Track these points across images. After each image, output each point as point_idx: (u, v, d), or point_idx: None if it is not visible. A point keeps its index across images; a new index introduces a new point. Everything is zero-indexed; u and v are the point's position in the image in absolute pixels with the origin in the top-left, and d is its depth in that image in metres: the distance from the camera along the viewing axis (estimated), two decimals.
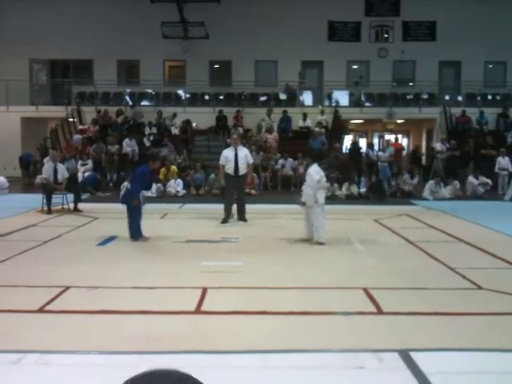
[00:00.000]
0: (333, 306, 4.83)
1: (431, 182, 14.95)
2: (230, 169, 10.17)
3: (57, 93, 22.77)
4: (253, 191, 15.40)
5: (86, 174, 15.89)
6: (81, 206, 11.60)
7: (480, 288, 5.52)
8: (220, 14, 21.42)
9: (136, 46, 21.53)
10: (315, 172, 7.97)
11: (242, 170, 10.24)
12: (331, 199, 14.29)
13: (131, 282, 5.60)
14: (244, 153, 10.39)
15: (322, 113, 20.05)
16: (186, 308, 4.77)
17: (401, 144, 21.78)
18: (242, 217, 10.26)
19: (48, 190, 11.34)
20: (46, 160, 14.39)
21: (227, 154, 10.31)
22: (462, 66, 22.38)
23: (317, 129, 18.91)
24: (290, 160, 17.08)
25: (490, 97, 21.85)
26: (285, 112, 19.77)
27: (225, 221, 9.99)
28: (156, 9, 21.19)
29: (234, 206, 10.31)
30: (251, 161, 10.75)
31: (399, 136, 23.73)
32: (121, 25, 21.52)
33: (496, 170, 16.25)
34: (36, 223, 9.81)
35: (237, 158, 10.14)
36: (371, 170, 16.79)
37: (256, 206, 11.72)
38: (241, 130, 18.81)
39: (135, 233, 8.16)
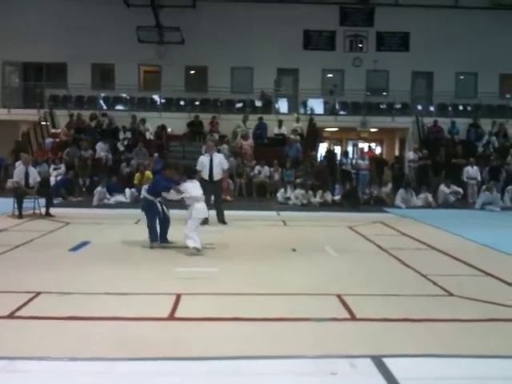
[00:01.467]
0: (306, 313, 4.85)
1: (402, 191, 15.18)
2: (205, 174, 10.48)
3: (29, 96, 22.46)
4: (228, 197, 15.38)
5: (59, 177, 15.67)
6: (53, 210, 11.42)
7: (451, 295, 5.61)
8: (196, 19, 21.45)
9: (111, 50, 21.39)
10: (192, 188, 7.75)
11: (217, 176, 10.54)
12: (306, 206, 14.45)
13: (104, 288, 5.53)
14: (219, 159, 10.74)
15: (298, 120, 20.19)
16: (159, 314, 4.73)
17: (375, 152, 22.07)
18: (221, 219, 10.58)
19: (19, 194, 11.15)
20: (17, 164, 14.14)
21: (203, 159, 10.71)
22: (434, 76, 22.84)
23: (292, 136, 19.03)
24: (266, 167, 17.13)
25: (461, 107, 22.31)
26: (260, 119, 19.85)
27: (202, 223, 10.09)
28: (131, 13, 21.11)
29: (212, 212, 10.36)
30: (226, 166, 10.98)
31: (373, 144, 24.03)
32: (96, 28, 21.34)
33: (464, 179, 16.57)
34: (7, 228, 9.63)
35: (212, 163, 10.49)
36: (346, 177, 16.96)
37: (231, 212, 11.70)
38: (216, 136, 18.82)
39: (152, 234, 8.10)
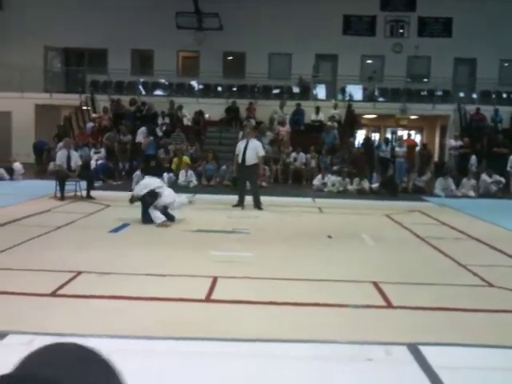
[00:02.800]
0: (342, 299, 4.85)
1: (441, 179, 14.89)
2: (240, 159, 10.83)
3: (71, 81, 22.87)
4: (264, 183, 15.42)
5: (99, 162, 16.00)
6: (93, 193, 11.69)
7: (491, 285, 5.51)
8: (235, 5, 21.36)
9: (150, 36, 21.55)
10: (148, 182, 8.82)
11: (250, 160, 10.74)
12: (342, 193, 14.36)
13: (143, 269, 5.65)
14: (254, 144, 10.89)
15: (336, 107, 19.96)
16: (196, 296, 4.81)
17: (414, 140, 21.68)
18: (256, 205, 10.79)
19: (61, 176, 11.43)
20: (59, 147, 14.49)
21: (239, 144, 11.11)
22: (477, 63, 22.18)
23: (329, 123, 18.86)
24: (302, 154, 17.06)
25: (504, 95, 21.62)
26: (298, 105, 19.72)
27: (236, 205, 10.80)
28: None
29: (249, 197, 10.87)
30: (261, 153, 11.10)
31: (412, 132, 23.59)
32: (135, 14, 21.54)
33: (508, 169, 16.13)
34: (50, 209, 9.91)
35: (246, 148, 10.73)
36: (384, 165, 16.72)
37: (267, 198, 11.74)
38: (253, 122, 18.82)
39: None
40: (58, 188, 11.31)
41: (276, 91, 21.65)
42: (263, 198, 11.04)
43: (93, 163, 15.85)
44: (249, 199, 10.85)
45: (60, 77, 23.41)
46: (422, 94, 21.69)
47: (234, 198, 11.05)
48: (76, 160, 12.00)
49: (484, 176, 15.24)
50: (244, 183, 11.08)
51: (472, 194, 14.70)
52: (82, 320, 4.16)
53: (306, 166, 16.86)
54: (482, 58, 21.67)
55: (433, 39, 22.06)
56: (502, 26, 21.01)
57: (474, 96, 22.12)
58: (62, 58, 23.58)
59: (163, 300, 4.67)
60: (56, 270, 5.54)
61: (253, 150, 10.75)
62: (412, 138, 22.22)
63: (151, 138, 17.22)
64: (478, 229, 9.07)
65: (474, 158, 16.93)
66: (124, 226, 8.35)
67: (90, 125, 19.02)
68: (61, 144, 14.19)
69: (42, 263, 5.85)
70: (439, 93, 21.55)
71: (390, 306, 4.74)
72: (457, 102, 20.86)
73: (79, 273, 5.46)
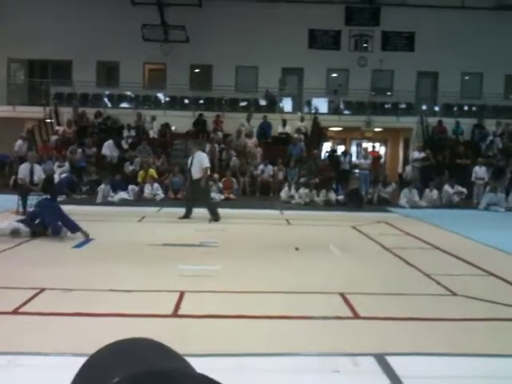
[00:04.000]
0: (310, 311, 4.86)
1: (405, 190, 15.18)
2: (188, 174, 11.33)
3: (34, 93, 22.46)
4: (231, 196, 15.43)
5: (63, 175, 15.72)
6: None
7: (454, 294, 5.61)
8: (201, 18, 21.45)
9: (116, 48, 21.40)
10: None
11: (196, 175, 10.92)
12: (309, 205, 14.46)
13: (107, 285, 5.55)
14: (198, 158, 11.04)
15: (302, 119, 20.18)
16: (163, 311, 4.75)
17: (378, 152, 22.03)
18: (213, 218, 10.80)
19: (24, 190, 11.18)
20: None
21: (188, 161, 11.42)
22: (439, 76, 22.78)
23: (296, 135, 19.03)
24: (270, 166, 17.14)
25: (466, 108, 22.26)
26: (264, 117, 19.85)
27: (181, 217, 10.89)
28: (137, 11, 21.11)
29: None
30: (206, 164, 11.16)
31: (377, 144, 23.99)
32: (101, 26, 21.37)
33: (473, 179, 16.54)
34: None
35: (191, 164, 11.00)
36: (345, 177, 16.90)
37: (235, 210, 11.72)
38: (220, 134, 18.88)
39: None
40: (21, 202, 11.05)
41: (243, 104, 21.75)
42: (231, 211, 11.04)
43: (56, 177, 15.56)
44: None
45: (23, 89, 22.99)
46: (386, 106, 22.13)
47: (201, 211, 11.02)
48: (39, 174, 11.76)
49: (446, 187, 15.60)
50: (192, 196, 11.20)
51: (423, 204, 14.93)
52: (43, 338, 4.05)
53: (273, 178, 16.94)
54: (444, 72, 22.27)
55: (396, 53, 22.56)
56: (464, 40, 21.66)
57: (437, 109, 22.68)
58: (26, 70, 23.18)
59: (127, 316, 4.58)
60: (18, 287, 5.39)
61: (197, 163, 10.91)
62: (376, 149, 22.58)
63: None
64: (442, 238, 9.25)
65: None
66: (88, 240, 8.19)
67: (53, 138, 18.70)
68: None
69: (4, 280, 5.68)
70: (403, 106, 22.01)
71: (356, 316, 4.77)
72: (419, 114, 21.34)
73: (42, 289, 5.32)
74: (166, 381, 0.53)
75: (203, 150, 12.91)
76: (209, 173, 11.76)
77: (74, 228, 8.28)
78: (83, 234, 8.27)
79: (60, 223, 8.34)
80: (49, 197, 9.41)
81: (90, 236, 8.27)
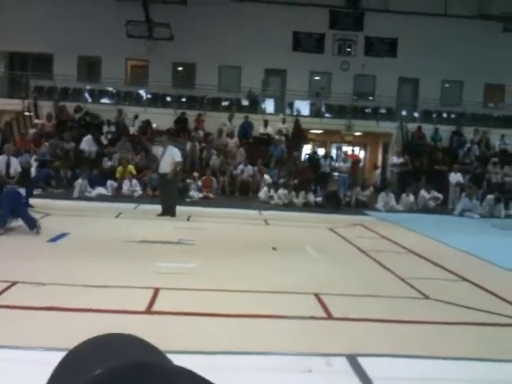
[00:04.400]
0: (284, 310, 4.87)
1: (383, 194, 15.33)
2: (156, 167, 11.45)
3: (14, 86, 22.12)
4: (210, 194, 15.41)
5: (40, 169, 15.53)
6: (32, 201, 11.28)
7: (427, 298, 5.68)
8: (186, 16, 21.36)
9: (98, 43, 21.18)
10: None
11: (164, 168, 10.93)
12: (288, 206, 14.51)
13: (81, 280, 5.49)
14: (170, 152, 11.02)
15: (284, 121, 20.22)
16: (136, 308, 4.72)
17: (358, 156, 22.23)
18: (164, 212, 10.86)
19: None
20: None
21: (158, 153, 11.38)
22: (420, 83, 23.05)
23: (277, 136, 19.08)
24: (250, 166, 17.15)
25: (445, 115, 22.54)
26: (246, 117, 19.85)
27: (159, 214, 10.86)
28: (121, 6, 20.95)
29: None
30: (178, 159, 11.16)
31: (356, 148, 24.18)
32: (84, 20, 21.12)
33: (453, 184, 16.74)
34: None
35: (162, 157, 10.97)
36: (324, 179, 17.01)
37: (213, 209, 11.70)
38: (201, 133, 18.86)
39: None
40: None
41: (225, 103, 21.71)
42: (210, 210, 11.02)
43: (33, 170, 15.34)
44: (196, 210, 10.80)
45: (3, 81, 22.62)
46: (367, 111, 22.29)
47: (178, 209, 10.99)
48: (16, 167, 11.57)
49: (423, 192, 15.79)
50: (164, 191, 11.21)
51: (399, 208, 15.11)
52: (14, 332, 3.99)
53: (252, 179, 16.95)
54: (425, 78, 22.54)
55: (379, 58, 22.75)
56: (445, 47, 21.93)
57: (416, 115, 22.93)
58: (6, 62, 22.81)
59: (101, 311, 4.55)
60: None
61: (169, 157, 10.90)
62: (356, 153, 22.78)
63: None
64: (416, 242, 9.37)
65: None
66: (63, 235, 8.09)
67: (32, 131, 18.44)
68: None
69: None
70: (383, 111, 22.20)
71: (330, 317, 4.81)
72: (399, 120, 21.56)
73: (14, 283, 5.25)
74: (147, 373, 0.53)
75: (182, 149, 12.88)
76: (179, 168, 11.57)
77: (31, 224, 8.10)
78: (38, 230, 8.10)
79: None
80: (18, 189, 9.10)
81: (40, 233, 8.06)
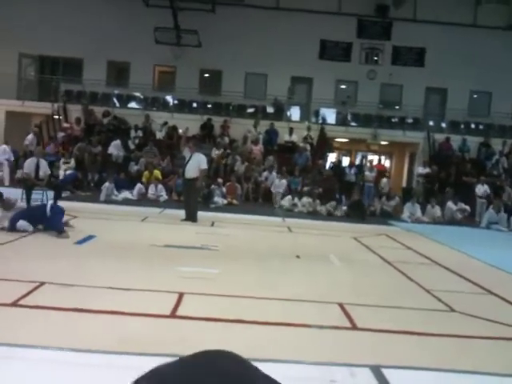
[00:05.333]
0: (307, 319, 4.85)
1: (408, 205, 15.16)
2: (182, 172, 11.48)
3: (44, 89, 22.58)
4: (234, 201, 15.46)
5: (68, 172, 15.78)
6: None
7: (453, 310, 5.60)
8: (214, 23, 21.56)
9: (127, 49, 21.53)
10: None
11: (191, 174, 10.88)
12: (312, 214, 14.46)
13: (107, 282, 5.56)
14: (197, 158, 10.98)
15: (309, 129, 20.21)
16: (161, 311, 4.75)
17: (384, 165, 22.05)
18: (189, 217, 10.90)
19: (29, 185, 11.22)
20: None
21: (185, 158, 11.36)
22: (448, 93, 22.81)
23: (302, 144, 19.06)
24: (274, 173, 17.16)
25: (473, 125, 22.26)
26: (271, 125, 19.89)
27: (184, 219, 10.90)
28: (150, 13, 21.24)
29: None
30: (204, 166, 11.15)
31: (382, 157, 24.00)
32: (114, 26, 21.52)
33: (478, 197, 16.48)
34: None
35: (188, 162, 10.94)
36: (349, 189, 16.91)
37: (237, 215, 11.71)
38: (227, 139, 18.98)
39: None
40: (25, 196, 11.09)
41: (251, 110, 21.80)
42: (234, 216, 11.05)
43: (61, 173, 15.62)
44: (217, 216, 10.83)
45: (33, 84, 23.11)
46: (393, 120, 22.14)
47: (202, 214, 11.06)
48: (45, 169, 11.79)
49: (450, 203, 15.57)
50: (188, 197, 11.18)
51: (425, 219, 14.89)
52: (41, 331, 4.06)
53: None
54: (453, 89, 22.31)
55: (406, 68, 22.62)
56: (474, 57, 21.69)
57: (444, 125, 22.68)
58: (37, 66, 23.30)
59: (126, 314, 4.59)
60: (19, 280, 5.41)
61: (195, 163, 10.87)
62: (382, 163, 22.60)
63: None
64: (442, 254, 9.24)
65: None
66: (90, 238, 8.21)
67: (60, 134, 18.77)
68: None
69: (5, 273, 5.70)
70: (410, 120, 22.02)
71: (354, 327, 4.77)
72: (426, 130, 21.34)
73: (42, 283, 5.34)
74: None
75: (207, 154, 12.93)
76: (205, 174, 11.67)
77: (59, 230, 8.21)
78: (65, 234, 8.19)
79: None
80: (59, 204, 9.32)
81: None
